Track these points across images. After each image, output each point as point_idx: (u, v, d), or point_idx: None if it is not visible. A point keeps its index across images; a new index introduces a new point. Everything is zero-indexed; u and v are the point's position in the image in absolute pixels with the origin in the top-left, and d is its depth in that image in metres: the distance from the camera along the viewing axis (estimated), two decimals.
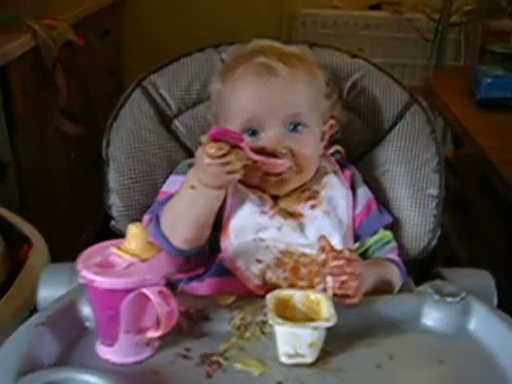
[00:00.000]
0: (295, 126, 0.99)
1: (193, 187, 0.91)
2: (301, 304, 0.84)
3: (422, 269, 1.14)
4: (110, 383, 0.73)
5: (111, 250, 0.79)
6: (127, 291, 0.75)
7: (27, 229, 1.48)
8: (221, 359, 0.81)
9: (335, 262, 0.86)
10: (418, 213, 1.11)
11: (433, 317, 0.88)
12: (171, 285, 1.04)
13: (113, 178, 1.11)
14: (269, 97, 0.97)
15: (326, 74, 1.08)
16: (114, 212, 1.10)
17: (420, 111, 1.16)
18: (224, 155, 0.86)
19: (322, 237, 0.90)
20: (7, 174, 2.00)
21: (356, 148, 1.17)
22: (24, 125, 1.99)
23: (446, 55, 2.84)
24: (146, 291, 0.75)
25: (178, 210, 0.94)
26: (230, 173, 0.88)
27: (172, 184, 1.03)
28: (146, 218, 1.00)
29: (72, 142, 2.20)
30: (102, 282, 0.74)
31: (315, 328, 0.78)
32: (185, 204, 0.93)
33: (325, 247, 0.88)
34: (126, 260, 0.77)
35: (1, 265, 1.46)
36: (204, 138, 0.90)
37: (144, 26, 2.93)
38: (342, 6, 3.01)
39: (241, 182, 1.00)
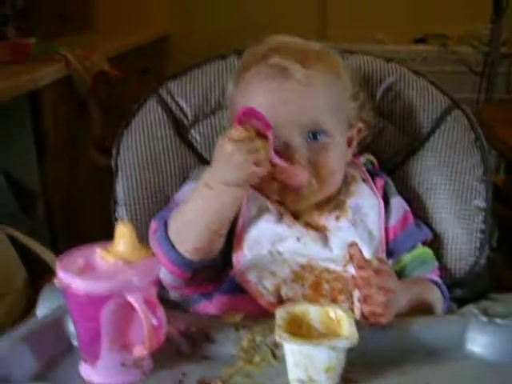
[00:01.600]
0: (314, 135, 0.87)
1: (208, 187, 0.80)
2: (318, 322, 0.71)
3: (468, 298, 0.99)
4: None
5: (96, 252, 0.68)
6: (108, 297, 0.64)
7: (51, 259, 1.44)
8: None
9: (362, 273, 0.73)
10: (462, 227, 0.97)
11: (480, 342, 0.74)
12: (180, 306, 0.93)
13: (121, 190, 1.01)
14: (283, 103, 0.86)
15: (354, 74, 0.97)
16: None
17: (462, 117, 1.03)
18: (251, 140, 0.76)
19: (353, 244, 0.77)
20: (36, 205, 1.96)
21: (390, 159, 1.04)
22: (55, 156, 1.95)
23: (496, 88, 2.70)
24: (129, 297, 0.63)
25: (189, 214, 0.82)
26: (256, 164, 0.77)
27: (184, 192, 0.93)
28: (153, 224, 0.89)
29: (104, 174, 2.15)
30: (79, 285, 0.64)
31: (333, 348, 0.65)
32: (197, 207, 0.82)
33: (354, 255, 0.76)
34: (109, 262, 0.66)
35: (21, 296, 1.41)
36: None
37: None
38: (386, 41, 2.92)
39: (256, 189, 0.89)
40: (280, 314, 0.70)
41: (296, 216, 0.89)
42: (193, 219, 0.82)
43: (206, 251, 0.83)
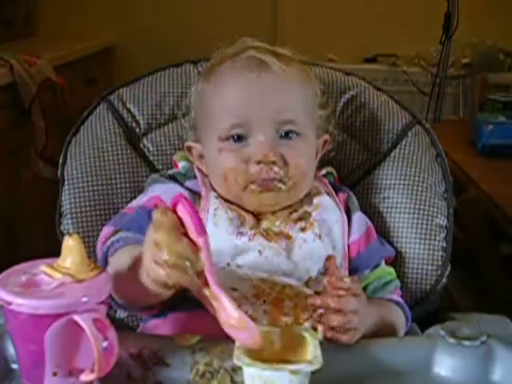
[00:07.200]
0: (287, 133, 0.83)
1: (139, 260, 0.67)
2: (280, 343, 0.66)
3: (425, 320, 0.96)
4: None
5: (40, 269, 0.62)
6: (54, 318, 0.58)
7: None
8: None
9: (319, 297, 0.71)
10: (423, 245, 0.94)
11: (447, 364, 0.71)
12: (127, 326, 0.87)
13: (67, 201, 0.95)
14: (260, 96, 0.82)
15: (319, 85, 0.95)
16: None
17: (423, 132, 1.02)
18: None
19: (330, 257, 0.75)
20: None
21: (350, 173, 1.02)
22: None
23: (444, 109, 2.74)
24: (77, 318, 0.57)
25: (123, 273, 0.72)
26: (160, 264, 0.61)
27: (145, 195, 0.87)
28: (105, 230, 0.83)
29: (47, 186, 2.06)
30: (21, 304, 0.57)
31: (294, 372, 0.60)
32: (130, 270, 0.70)
33: (329, 269, 0.72)
34: (55, 279, 0.60)
35: None
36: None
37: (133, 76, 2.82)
38: (336, 59, 2.94)
39: (218, 194, 0.84)
40: None
41: (258, 222, 0.84)
42: (125, 279, 0.71)
43: (141, 305, 0.77)
